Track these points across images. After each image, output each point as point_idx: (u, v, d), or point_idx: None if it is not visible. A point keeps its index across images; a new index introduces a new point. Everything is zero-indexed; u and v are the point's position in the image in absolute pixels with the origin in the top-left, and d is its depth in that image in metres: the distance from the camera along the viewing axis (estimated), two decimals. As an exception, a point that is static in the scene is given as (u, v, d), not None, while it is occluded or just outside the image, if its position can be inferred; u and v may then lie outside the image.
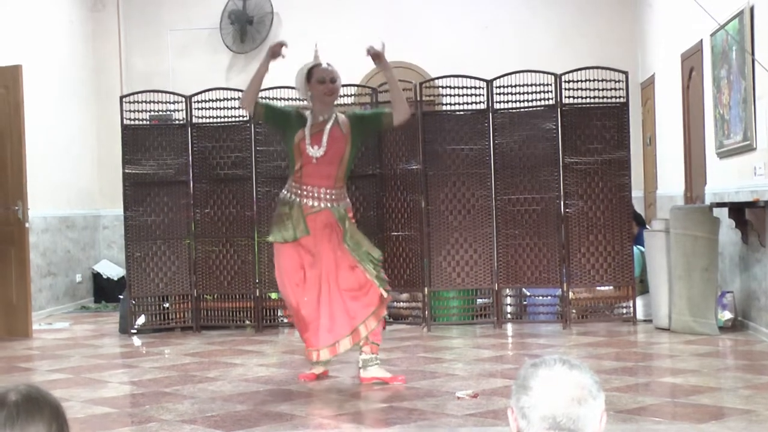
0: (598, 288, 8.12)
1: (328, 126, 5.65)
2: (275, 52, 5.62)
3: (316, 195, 5.62)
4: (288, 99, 8.02)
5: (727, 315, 7.39)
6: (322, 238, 5.60)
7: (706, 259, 7.23)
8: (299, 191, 5.64)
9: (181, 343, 7.70)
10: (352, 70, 10.19)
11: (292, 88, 7.66)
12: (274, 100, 7.68)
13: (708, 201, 7.98)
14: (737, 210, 7.06)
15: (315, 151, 5.59)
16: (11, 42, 9.30)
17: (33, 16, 9.95)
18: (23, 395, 1.86)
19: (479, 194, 8.06)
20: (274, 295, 8.32)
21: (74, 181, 10.89)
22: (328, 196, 5.64)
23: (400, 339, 7.50)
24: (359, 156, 7.86)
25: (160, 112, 8.67)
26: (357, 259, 5.60)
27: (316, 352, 5.65)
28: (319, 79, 5.71)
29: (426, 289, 8.04)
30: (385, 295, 5.64)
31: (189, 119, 8.38)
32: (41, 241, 9.86)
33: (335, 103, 5.86)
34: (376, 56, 5.67)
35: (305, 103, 5.95)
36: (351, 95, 8.55)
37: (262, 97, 6.12)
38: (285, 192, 5.73)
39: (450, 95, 8.21)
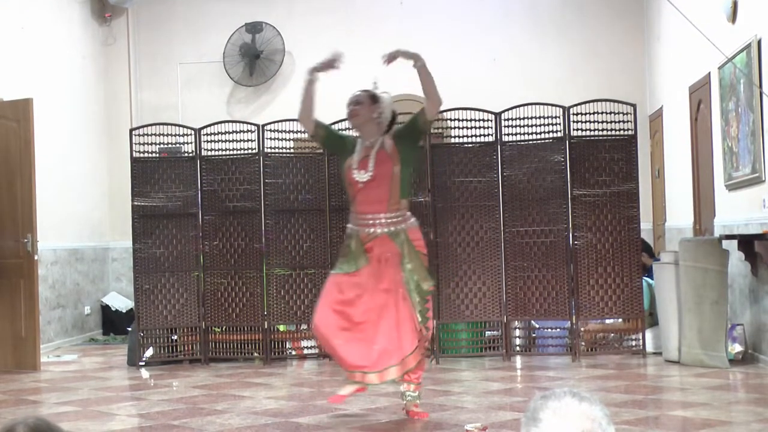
0: (607, 321, 8.10)
1: (374, 149, 5.55)
2: (327, 65, 5.53)
3: (371, 222, 5.52)
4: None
5: (737, 348, 7.35)
6: (386, 264, 5.48)
7: (715, 292, 7.21)
8: (357, 221, 5.59)
9: (189, 375, 7.68)
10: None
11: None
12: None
13: (717, 233, 7.96)
14: (746, 242, 7.05)
15: (361, 176, 5.50)
16: (23, 76, 9.37)
17: (45, 51, 10.03)
18: (31, 428, 1.86)
19: (488, 226, 8.06)
20: (282, 328, 8.32)
21: (84, 214, 10.91)
22: (383, 221, 5.52)
23: (409, 372, 7.45)
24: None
25: (170, 145, 8.70)
26: (407, 288, 5.45)
27: (362, 374, 5.41)
28: (346, 104, 5.73)
29: (434, 322, 8.01)
30: (424, 331, 5.47)
31: (198, 152, 8.41)
32: (50, 273, 9.87)
33: (377, 125, 5.62)
34: (406, 56, 5.55)
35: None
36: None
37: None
38: (349, 224, 5.68)
39: (458, 128, 8.23)
